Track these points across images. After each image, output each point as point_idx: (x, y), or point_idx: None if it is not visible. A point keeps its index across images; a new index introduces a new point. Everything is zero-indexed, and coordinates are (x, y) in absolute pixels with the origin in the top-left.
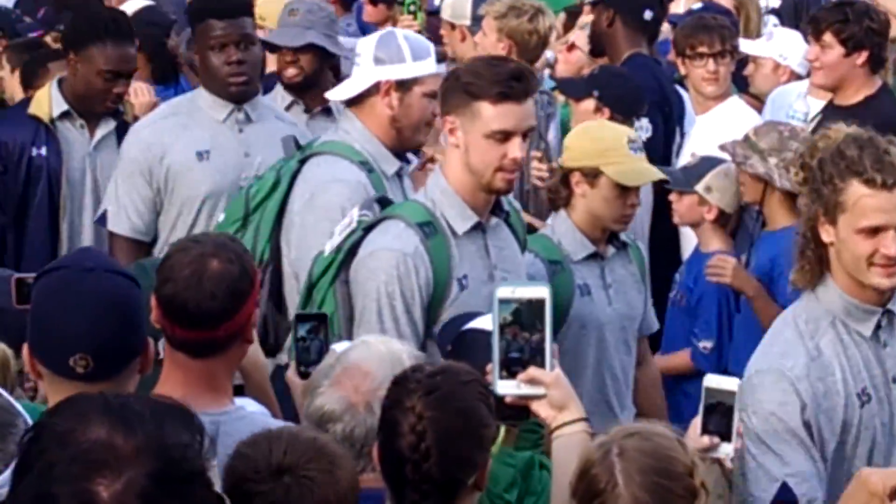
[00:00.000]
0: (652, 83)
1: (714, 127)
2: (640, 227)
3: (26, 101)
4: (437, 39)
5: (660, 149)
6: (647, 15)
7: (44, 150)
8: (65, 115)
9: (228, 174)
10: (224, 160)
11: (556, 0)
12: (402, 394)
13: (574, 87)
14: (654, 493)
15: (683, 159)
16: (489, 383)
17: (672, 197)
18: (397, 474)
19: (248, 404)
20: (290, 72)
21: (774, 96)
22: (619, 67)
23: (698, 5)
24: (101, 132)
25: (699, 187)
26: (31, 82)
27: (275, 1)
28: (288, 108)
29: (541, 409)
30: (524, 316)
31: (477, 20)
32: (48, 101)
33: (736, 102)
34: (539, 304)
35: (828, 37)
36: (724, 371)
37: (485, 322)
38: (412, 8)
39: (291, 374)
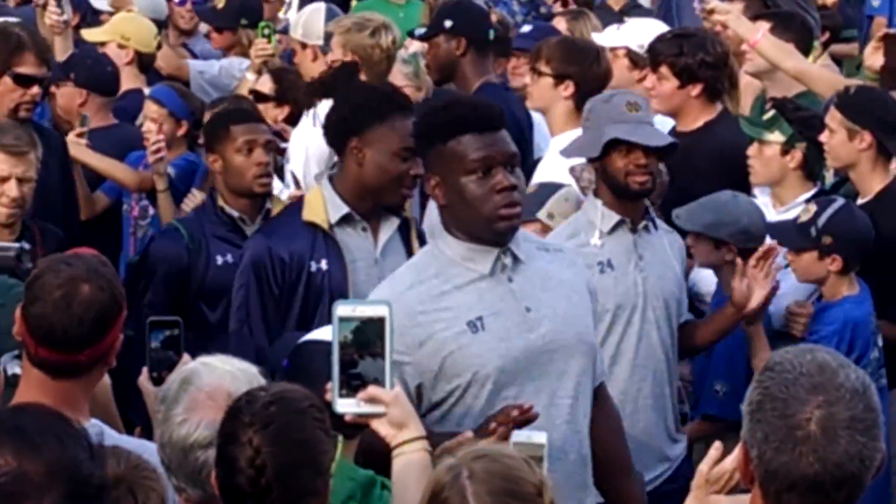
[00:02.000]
0: (507, 115)
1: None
2: None
3: (298, 207)
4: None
5: None
6: (491, 35)
7: (324, 263)
8: (344, 219)
9: None
10: None
11: (403, 23)
12: (238, 427)
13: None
14: None
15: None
16: (327, 402)
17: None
18: None
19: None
20: None
21: None
22: (454, 91)
23: (527, 28)
24: (384, 234)
25: (541, 214)
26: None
27: (137, 21)
28: None
29: (380, 427)
30: (365, 334)
31: (329, 39)
32: (322, 204)
33: None
34: (379, 322)
35: (664, 69)
36: None
37: (323, 333)
38: (266, 31)
39: (144, 381)
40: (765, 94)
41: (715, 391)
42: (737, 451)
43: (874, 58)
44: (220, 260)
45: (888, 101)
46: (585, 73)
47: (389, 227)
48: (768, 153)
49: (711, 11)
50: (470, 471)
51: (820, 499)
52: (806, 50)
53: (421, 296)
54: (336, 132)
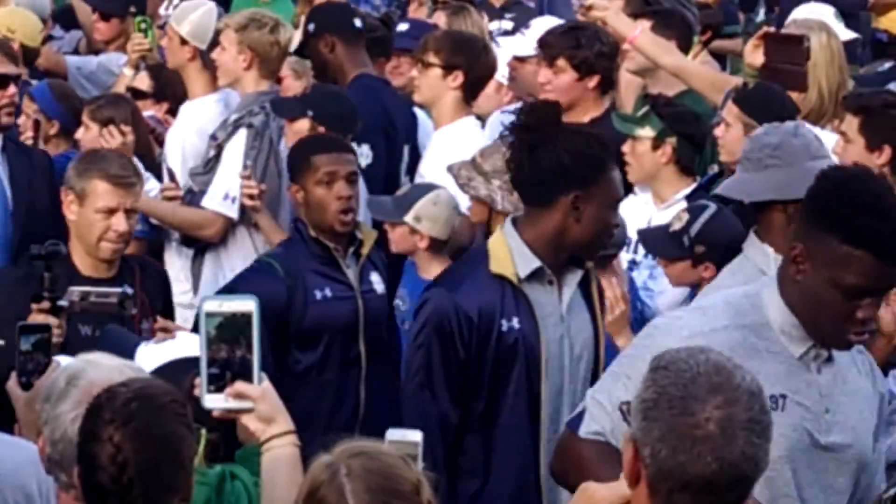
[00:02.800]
0: (375, 106)
1: (445, 147)
2: None
3: (479, 256)
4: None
5: (382, 174)
6: (358, 23)
7: (515, 321)
8: (533, 273)
9: None
10: None
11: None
12: (99, 425)
13: (287, 108)
14: None
15: (423, 175)
16: (194, 397)
17: (386, 226)
18: None
19: None
20: None
21: (495, 116)
22: (331, 86)
23: (404, 27)
24: (569, 289)
25: (408, 217)
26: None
27: (23, 14)
28: None
29: (249, 422)
30: (231, 329)
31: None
32: (509, 255)
33: (470, 122)
34: (246, 317)
35: (561, 61)
36: None
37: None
38: (143, 26)
39: (13, 385)
40: (646, 91)
41: None
42: (623, 450)
43: (754, 55)
44: (318, 295)
45: (785, 98)
46: (473, 62)
47: (573, 281)
48: (640, 149)
49: (590, 7)
50: (348, 468)
51: (712, 498)
52: (686, 47)
53: (733, 342)
54: (549, 183)
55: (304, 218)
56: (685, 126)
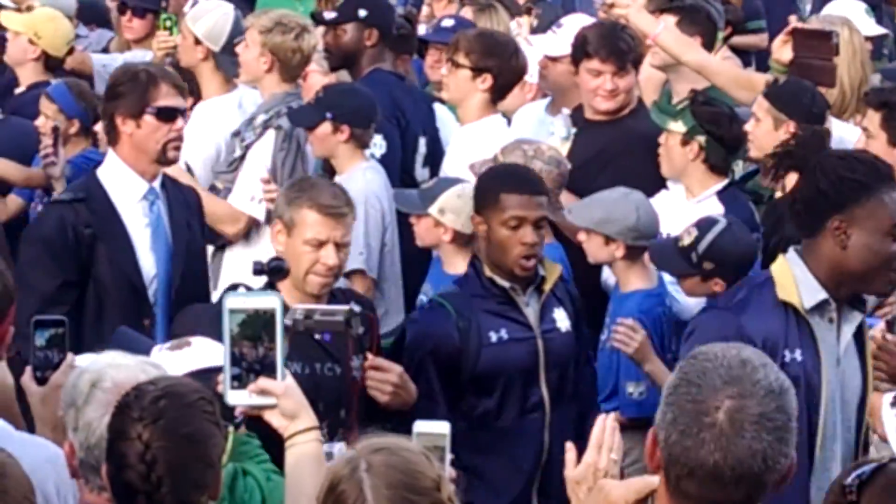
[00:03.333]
0: (384, 97)
1: (469, 143)
2: None
3: (763, 282)
4: None
5: (398, 164)
6: (396, 30)
7: (798, 353)
8: (817, 306)
9: None
10: None
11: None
12: (127, 423)
13: (305, 117)
14: None
15: (446, 171)
16: (219, 393)
17: (412, 219)
18: (130, 503)
19: None
20: None
21: (520, 112)
22: (343, 83)
23: (450, 23)
24: (848, 330)
25: (433, 210)
26: None
27: (54, 21)
28: None
29: (273, 418)
30: (255, 326)
31: (226, 50)
32: (794, 285)
33: (496, 119)
34: (269, 314)
35: (629, 64)
36: None
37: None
38: (168, 24)
39: (28, 380)
40: (670, 84)
41: (629, 393)
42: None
43: (782, 51)
44: (493, 337)
45: (815, 93)
46: (504, 66)
47: (853, 323)
48: (671, 143)
49: (612, 5)
50: (368, 463)
51: (717, 491)
52: (710, 43)
53: None
54: (813, 210)
55: (480, 253)
56: (717, 126)
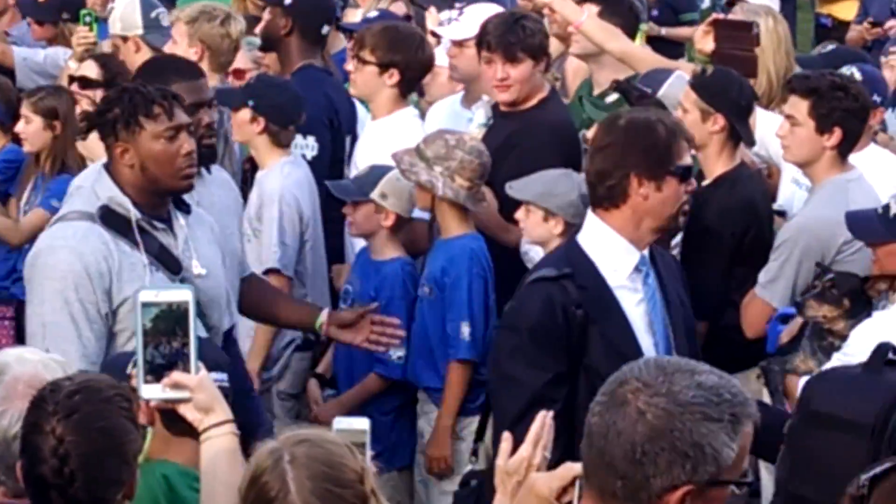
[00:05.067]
0: (320, 98)
1: (381, 138)
2: None
3: None
4: None
5: (327, 165)
6: (325, 30)
7: None
8: None
9: None
10: None
11: None
12: (41, 417)
13: (230, 97)
14: (325, 500)
15: (359, 166)
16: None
17: (346, 209)
18: (43, 498)
19: None
20: None
21: (435, 107)
22: (276, 77)
23: (374, 13)
24: None
25: (374, 195)
26: None
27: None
28: None
29: (187, 412)
30: (168, 320)
31: (149, 27)
32: None
33: (407, 113)
34: (182, 307)
35: (521, 54)
36: None
37: None
38: (87, 19)
39: None
40: (591, 77)
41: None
42: None
43: (704, 41)
44: None
45: (744, 85)
46: (410, 60)
47: None
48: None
49: None
50: (291, 455)
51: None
52: (632, 33)
53: None
54: None
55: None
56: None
